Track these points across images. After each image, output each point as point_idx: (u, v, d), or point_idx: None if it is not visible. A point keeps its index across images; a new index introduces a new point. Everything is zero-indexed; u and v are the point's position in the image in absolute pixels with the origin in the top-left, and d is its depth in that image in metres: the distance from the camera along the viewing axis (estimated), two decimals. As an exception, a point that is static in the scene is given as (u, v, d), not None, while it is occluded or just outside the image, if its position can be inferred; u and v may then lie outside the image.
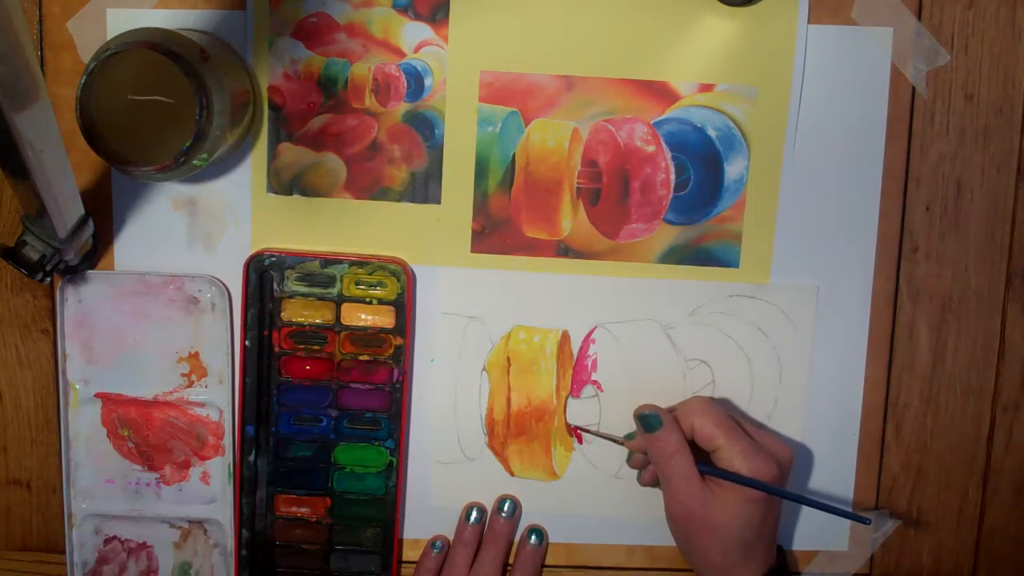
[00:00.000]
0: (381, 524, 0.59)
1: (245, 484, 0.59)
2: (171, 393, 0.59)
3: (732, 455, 0.53)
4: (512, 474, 0.60)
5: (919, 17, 0.56)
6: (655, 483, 0.58)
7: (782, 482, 0.54)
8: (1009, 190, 0.58)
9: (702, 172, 0.57)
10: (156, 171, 0.48)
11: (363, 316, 0.58)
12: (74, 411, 0.59)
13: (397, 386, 0.58)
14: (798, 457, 0.59)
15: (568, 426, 0.59)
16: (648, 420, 0.54)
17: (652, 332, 0.59)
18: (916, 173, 0.58)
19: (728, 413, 0.55)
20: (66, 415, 0.59)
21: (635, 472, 0.59)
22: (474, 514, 0.60)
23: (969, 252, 0.58)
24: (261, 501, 0.59)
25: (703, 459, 0.54)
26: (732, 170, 0.57)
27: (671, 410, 0.56)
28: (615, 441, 0.58)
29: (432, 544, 0.60)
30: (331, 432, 0.59)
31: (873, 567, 0.61)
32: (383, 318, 0.58)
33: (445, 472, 0.60)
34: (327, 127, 0.57)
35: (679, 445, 0.54)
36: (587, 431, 0.59)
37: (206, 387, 0.59)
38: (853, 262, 0.58)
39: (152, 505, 0.60)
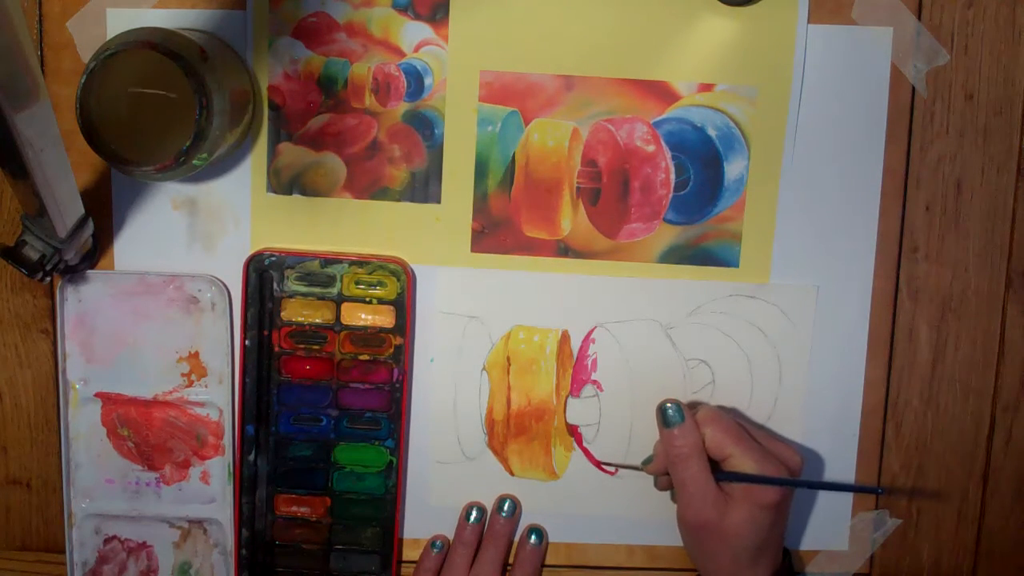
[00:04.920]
0: (381, 524, 0.59)
1: (245, 484, 0.59)
2: (171, 393, 0.59)
3: (744, 461, 0.52)
4: (512, 474, 0.60)
5: (919, 17, 0.56)
6: (671, 486, 0.58)
7: (793, 487, 0.54)
8: (1009, 190, 0.58)
9: (702, 172, 0.57)
10: (156, 171, 0.48)
11: (363, 316, 0.58)
12: (74, 411, 0.59)
13: (397, 386, 0.58)
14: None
15: (568, 426, 0.60)
16: (667, 414, 0.54)
17: (652, 332, 0.59)
18: (916, 173, 0.57)
19: (737, 421, 0.55)
20: (66, 415, 0.59)
21: (635, 473, 0.59)
22: (474, 514, 0.60)
23: (969, 252, 0.58)
24: (261, 501, 0.59)
25: (714, 468, 0.54)
26: (732, 170, 0.57)
27: None
28: (635, 468, 0.58)
29: (432, 544, 0.60)
30: (331, 432, 0.59)
31: (873, 567, 0.61)
32: (383, 318, 0.58)
33: (445, 472, 0.60)
34: (327, 127, 0.57)
35: (695, 447, 0.53)
36: (611, 464, 0.59)
37: (206, 387, 0.59)
38: (853, 262, 0.58)
39: (152, 505, 0.60)
